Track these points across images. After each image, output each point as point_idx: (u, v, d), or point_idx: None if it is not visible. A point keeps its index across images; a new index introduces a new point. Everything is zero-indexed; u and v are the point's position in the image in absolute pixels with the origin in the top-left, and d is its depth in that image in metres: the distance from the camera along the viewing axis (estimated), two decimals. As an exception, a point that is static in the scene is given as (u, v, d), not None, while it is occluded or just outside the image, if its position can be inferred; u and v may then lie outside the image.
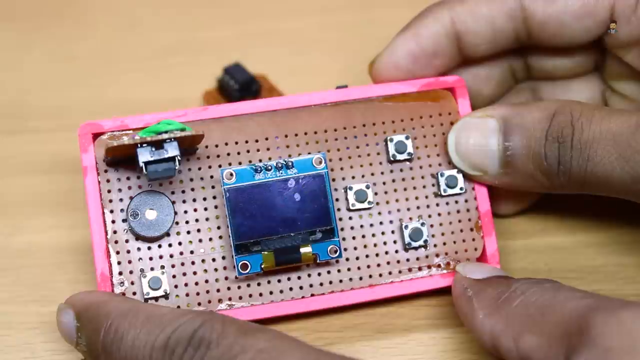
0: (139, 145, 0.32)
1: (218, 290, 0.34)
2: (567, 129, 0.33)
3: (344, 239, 0.35)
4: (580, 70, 0.38)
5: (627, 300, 0.29)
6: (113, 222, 0.34)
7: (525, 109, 0.35)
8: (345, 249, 0.35)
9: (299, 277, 0.35)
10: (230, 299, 0.35)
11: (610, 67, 0.38)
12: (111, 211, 0.34)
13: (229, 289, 0.35)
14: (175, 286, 0.34)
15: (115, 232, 0.34)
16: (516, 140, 0.34)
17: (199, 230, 0.35)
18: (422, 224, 0.36)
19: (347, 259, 0.35)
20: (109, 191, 0.34)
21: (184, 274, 0.34)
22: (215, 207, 0.35)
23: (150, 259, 0.34)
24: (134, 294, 0.34)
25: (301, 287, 0.35)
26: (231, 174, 0.34)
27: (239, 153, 0.35)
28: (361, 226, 0.36)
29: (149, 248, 0.34)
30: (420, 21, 0.37)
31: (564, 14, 0.36)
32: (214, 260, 0.35)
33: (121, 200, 0.34)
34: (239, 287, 0.35)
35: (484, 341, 0.32)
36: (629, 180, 0.33)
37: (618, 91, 0.38)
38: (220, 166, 0.35)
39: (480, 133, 0.35)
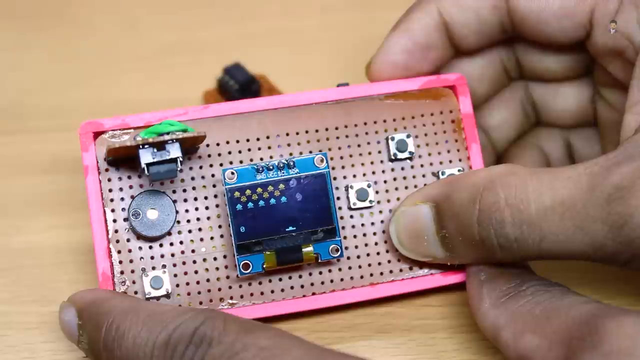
0: (140, 147, 0.32)
1: (219, 289, 0.34)
2: (498, 213, 0.31)
3: (345, 237, 0.35)
4: (570, 73, 0.38)
5: (628, 308, 0.29)
6: (114, 221, 0.34)
7: (454, 190, 0.33)
8: (346, 248, 0.35)
9: (300, 276, 0.35)
10: (231, 298, 0.35)
11: (597, 73, 0.38)
12: (112, 210, 0.34)
13: (230, 287, 0.35)
14: (177, 285, 0.34)
15: (116, 231, 0.34)
16: (450, 227, 0.33)
17: (200, 230, 0.35)
18: (423, 223, 0.36)
19: (348, 258, 0.35)
20: (110, 190, 0.34)
21: (186, 273, 0.34)
22: (217, 206, 0.35)
23: (152, 258, 0.34)
24: (136, 293, 0.34)
25: (302, 286, 0.35)
26: (233, 174, 0.34)
27: (240, 152, 0.35)
28: (362, 225, 0.36)
29: (151, 247, 0.34)
30: (409, 16, 0.37)
31: (543, 11, 0.35)
32: (215, 259, 0.35)
33: (122, 199, 0.34)
34: (240, 286, 0.35)
35: (484, 328, 0.32)
36: (589, 249, 0.30)
37: (605, 98, 0.38)
38: (221, 165, 0.35)
39: (416, 223, 0.34)
